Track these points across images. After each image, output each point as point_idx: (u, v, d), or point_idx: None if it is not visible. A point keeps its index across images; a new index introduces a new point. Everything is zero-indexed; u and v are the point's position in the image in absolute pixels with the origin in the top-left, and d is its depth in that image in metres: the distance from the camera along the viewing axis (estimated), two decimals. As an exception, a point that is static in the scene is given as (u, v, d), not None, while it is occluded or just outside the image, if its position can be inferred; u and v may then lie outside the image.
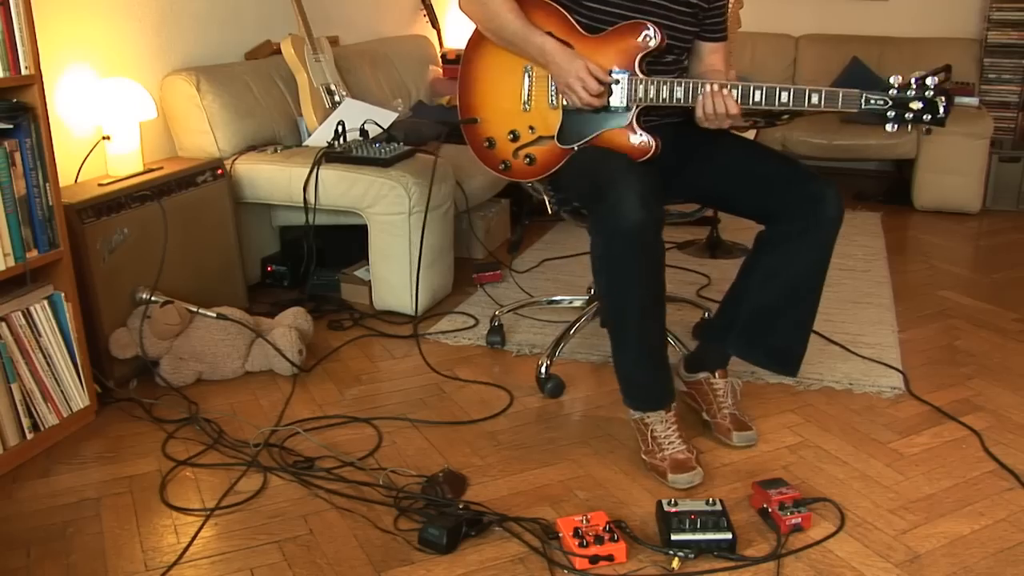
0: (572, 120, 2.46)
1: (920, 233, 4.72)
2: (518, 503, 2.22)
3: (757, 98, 2.28)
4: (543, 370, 2.80)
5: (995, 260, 4.25)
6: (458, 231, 3.67)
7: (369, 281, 3.46)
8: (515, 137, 2.55)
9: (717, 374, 2.57)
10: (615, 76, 2.38)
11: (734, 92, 2.28)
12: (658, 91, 2.36)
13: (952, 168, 4.93)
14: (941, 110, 2.20)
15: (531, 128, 2.53)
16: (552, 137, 2.50)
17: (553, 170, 2.52)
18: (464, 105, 2.65)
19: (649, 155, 2.38)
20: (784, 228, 2.34)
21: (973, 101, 5.17)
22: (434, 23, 5.60)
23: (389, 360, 3.08)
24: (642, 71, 2.38)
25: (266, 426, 2.59)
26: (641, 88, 2.37)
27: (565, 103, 2.46)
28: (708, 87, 2.30)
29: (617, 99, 2.40)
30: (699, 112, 2.32)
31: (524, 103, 2.54)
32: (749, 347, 2.48)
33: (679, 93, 2.34)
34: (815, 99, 2.24)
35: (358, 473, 2.34)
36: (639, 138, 2.39)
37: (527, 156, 2.54)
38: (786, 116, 3.97)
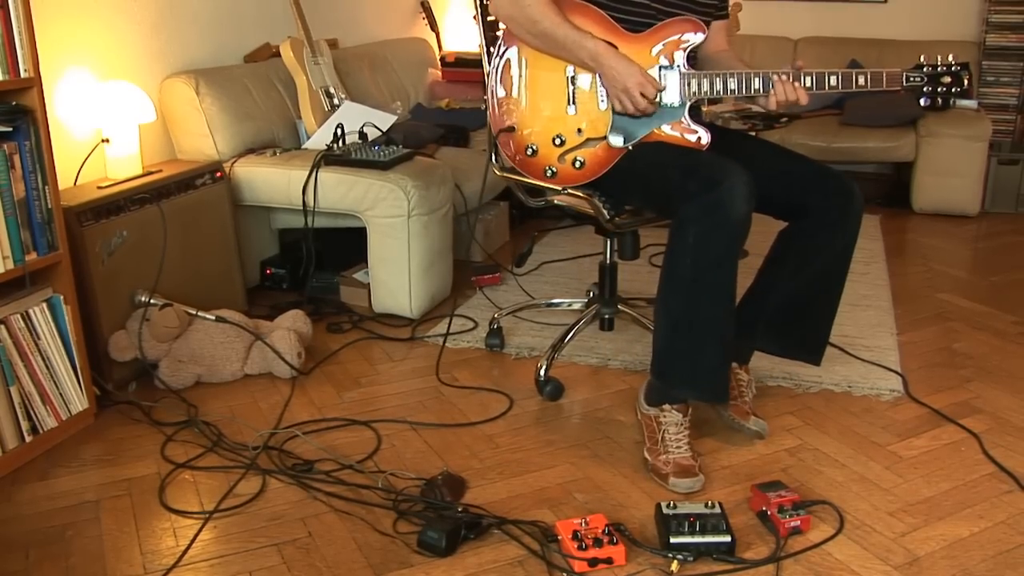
0: (623, 119, 2.44)
1: (919, 236, 4.72)
2: (517, 506, 2.22)
3: (808, 83, 2.36)
4: (542, 373, 2.80)
5: (994, 263, 4.25)
6: (457, 234, 3.67)
7: (368, 284, 3.46)
8: (562, 141, 2.50)
9: (743, 368, 2.64)
10: (666, 74, 2.40)
11: (806, 81, 2.35)
12: (712, 84, 2.39)
13: (951, 170, 4.93)
14: (965, 82, 2.37)
15: (579, 131, 2.48)
16: (603, 138, 2.46)
17: (604, 172, 2.49)
18: (499, 119, 2.57)
19: (705, 146, 2.40)
20: (815, 222, 2.41)
21: (972, 104, 5.18)
22: (433, 26, 5.61)
23: (388, 363, 3.08)
24: (689, 66, 2.41)
25: (265, 429, 2.59)
26: (695, 82, 2.39)
27: (616, 109, 2.43)
28: (777, 76, 2.34)
29: (671, 95, 2.41)
30: (772, 101, 2.36)
31: (569, 105, 2.49)
32: (779, 338, 2.56)
33: (732, 84, 2.38)
34: (862, 80, 2.36)
35: (357, 476, 2.34)
36: (695, 132, 2.41)
37: (576, 160, 2.49)
38: (784, 119, 3.98)
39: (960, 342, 3.25)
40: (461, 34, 5.93)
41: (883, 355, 3.08)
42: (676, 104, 2.41)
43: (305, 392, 2.86)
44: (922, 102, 2.39)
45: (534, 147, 2.53)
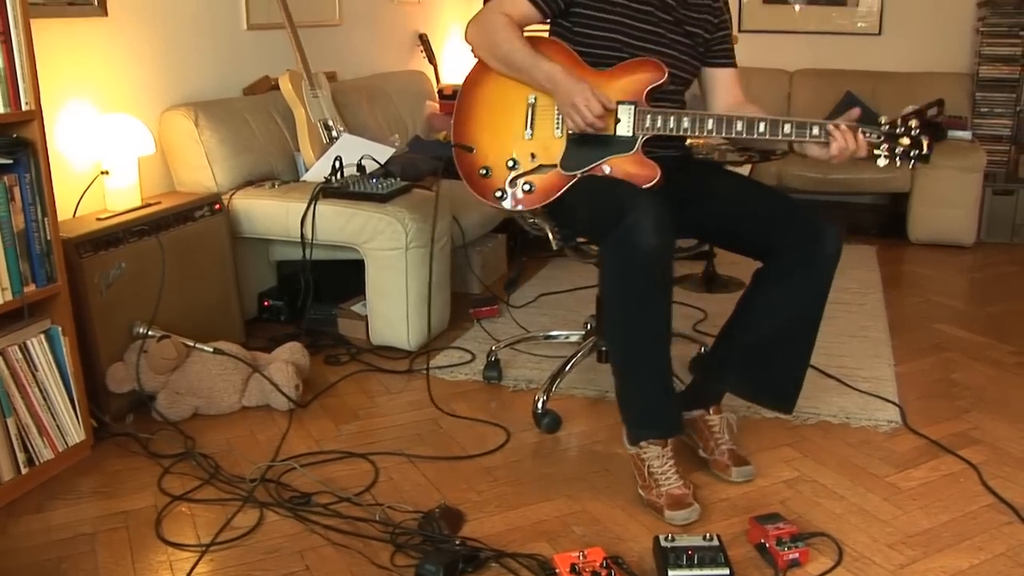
0: (576, 148, 2.47)
1: (915, 266, 4.74)
2: (515, 539, 2.21)
3: (762, 129, 2.34)
4: (540, 405, 2.80)
5: (990, 293, 4.26)
6: (455, 266, 3.68)
7: (366, 316, 3.46)
8: (515, 164, 2.55)
9: (712, 410, 2.57)
10: (621, 108, 2.41)
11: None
12: (665, 122, 2.39)
13: (946, 201, 4.96)
14: (926, 147, 2.27)
15: (532, 156, 2.54)
16: (554, 165, 2.50)
17: (552, 199, 2.52)
18: (459, 133, 2.65)
19: (654, 183, 2.39)
20: (783, 264, 2.37)
21: (966, 135, 5.22)
22: (431, 59, 5.65)
23: (386, 395, 3.08)
24: (649, 103, 2.42)
25: (262, 461, 2.58)
26: (648, 118, 2.40)
27: (570, 130, 2.47)
28: (840, 126, 2.29)
29: (624, 128, 2.42)
30: (832, 151, 2.31)
31: (526, 130, 2.55)
32: (746, 383, 2.50)
33: (686, 123, 2.38)
34: (815, 131, 2.30)
35: (354, 509, 2.34)
36: (644, 166, 2.41)
37: (526, 184, 2.54)
38: (780, 151, 3.99)
39: (958, 372, 3.25)
40: (459, 66, 5.97)
41: (881, 386, 3.09)
42: (628, 137, 2.43)
43: (303, 424, 2.85)
44: (879, 163, 2.31)
45: (488, 168, 2.59)
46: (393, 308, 3.35)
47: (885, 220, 5.46)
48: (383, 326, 3.41)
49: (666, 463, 2.34)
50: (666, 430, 2.37)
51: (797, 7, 5.97)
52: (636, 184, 2.39)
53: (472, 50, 2.62)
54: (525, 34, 2.52)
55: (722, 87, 2.65)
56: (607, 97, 2.38)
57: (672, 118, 2.39)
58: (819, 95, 5.69)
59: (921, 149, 2.27)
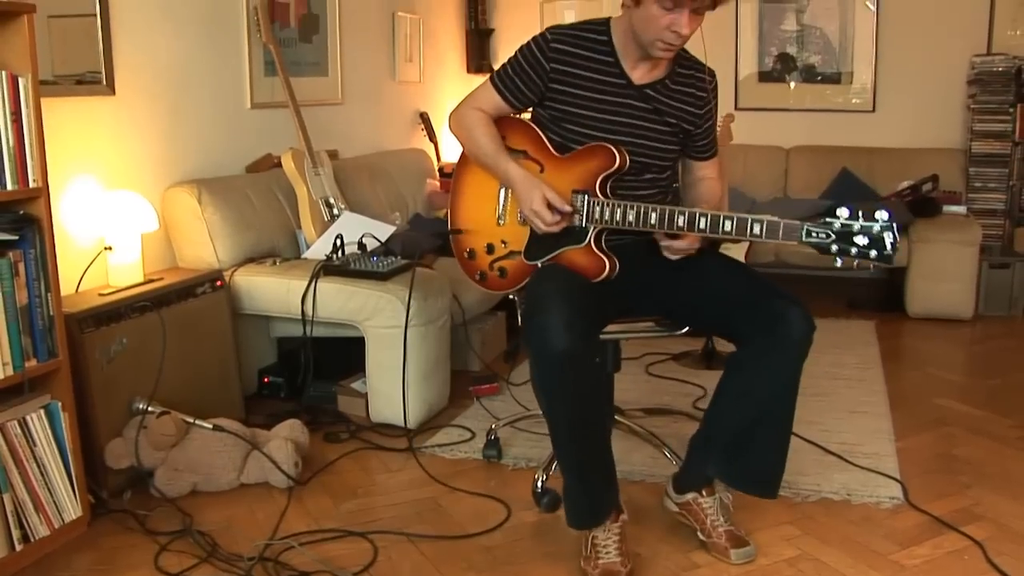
0: (538, 237, 2.50)
1: (914, 340, 4.74)
2: (515, 618, 2.19)
3: (702, 225, 2.27)
4: (540, 484, 2.77)
5: (990, 366, 4.27)
6: (455, 343, 3.69)
7: (366, 393, 3.46)
8: (490, 250, 2.62)
9: (704, 492, 2.54)
10: (575, 198, 2.41)
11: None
12: (612, 213, 2.37)
13: (943, 275, 4.98)
14: (888, 246, 2.08)
15: (504, 242, 2.60)
16: (520, 252, 2.55)
17: (522, 284, 2.58)
18: (453, 217, 2.74)
19: (604, 276, 2.40)
20: (750, 348, 2.36)
21: (961, 209, 5.27)
22: (432, 137, 5.73)
23: (385, 473, 3.07)
24: (603, 192, 2.41)
25: (261, 539, 2.56)
26: (597, 209, 2.40)
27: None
28: (664, 243, 2.36)
29: (576, 219, 2.43)
30: (665, 252, 2.38)
31: (499, 218, 2.61)
32: (726, 469, 2.49)
33: (631, 216, 2.35)
34: (756, 229, 2.19)
35: (353, 587, 2.31)
36: (597, 259, 2.42)
37: (500, 269, 2.61)
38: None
39: (959, 447, 3.24)
40: (458, 145, 6.05)
41: (882, 462, 3.07)
42: (579, 228, 2.43)
43: (302, 502, 2.83)
44: (834, 262, 2.13)
45: (472, 251, 2.67)
46: (393, 386, 3.35)
47: (883, 294, 5.47)
48: (383, 404, 3.41)
49: (610, 537, 2.36)
50: (585, 520, 2.39)
51: (792, 84, 6.08)
52: (589, 277, 2.41)
53: None
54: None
55: (695, 175, 2.68)
56: (562, 201, 2.39)
57: (619, 210, 2.36)
58: (816, 171, 5.76)
59: (882, 248, 2.09)
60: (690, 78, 2.54)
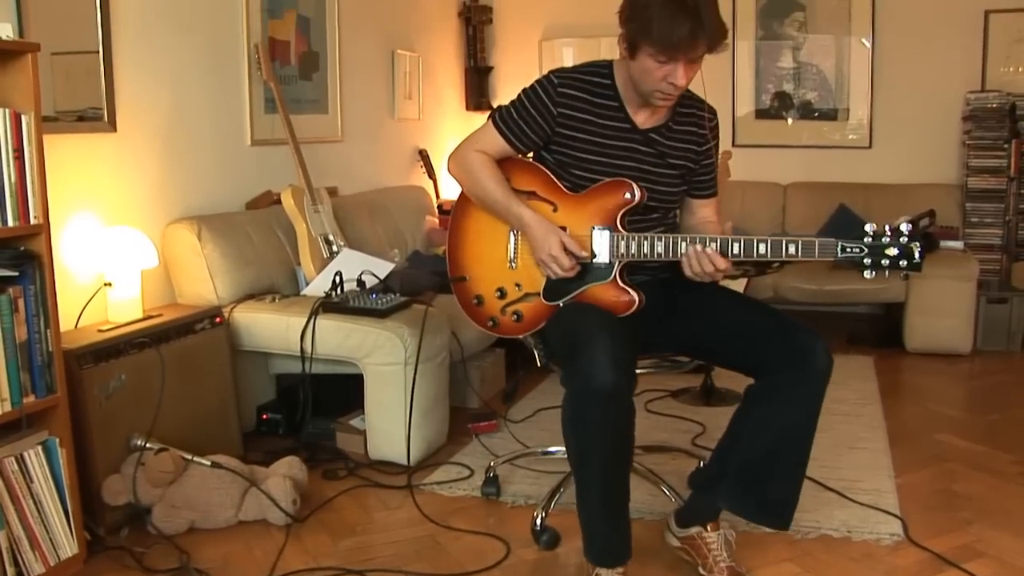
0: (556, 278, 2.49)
1: (913, 376, 4.74)
2: (514, 656, 2.17)
3: (735, 251, 2.32)
4: (538, 522, 2.76)
5: (989, 401, 4.26)
6: (453, 380, 3.68)
7: (364, 430, 3.45)
8: (502, 294, 2.59)
9: (709, 527, 2.53)
10: (597, 234, 2.42)
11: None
12: (639, 246, 2.39)
13: (941, 310, 4.99)
14: (916, 256, 2.20)
15: (518, 285, 2.57)
16: (538, 294, 2.53)
17: (539, 326, 2.56)
18: (453, 263, 2.71)
19: (633, 309, 2.40)
20: (773, 381, 2.36)
21: (958, 244, 5.29)
22: (431, 174, 5.76)
23: (384, 511, 3.05)
24: (623, 227, 2.43)
25: (258, 577, 2.55)
26: (623, 244, 2.41)
27: (544, 274, 2.50)
28: (690, 248, 2.34)
29: (600, 255, 2.43)
30: (687, 272, 2.37)
31: (510, 261, 2.59)
32: (740, 500, 2.46)
33: (659, 248, 2.38)
34: (792, 249, 2.28)
35: (351, 625, 2.30)
36: (623, 293, 2.42)
37: (515, 313, 2.58)
38: (776, 264, 4.03)
39: (959, 483, 3.23)
40: (460, 187, 6.08)
41: (881, 498, 3.06)
42: (604, 264, 2.44)
43: (300, 540, 2.82)
44: (865, 275, 2.24)
45: (480, 297, 2.63)
46: (392, 423, 3.35)
47: (881, 330, 5.48)
48: (381, 441, 3.40)
49: (614, 574, 2.34)
50: (613, 559, 2.36)
51: (790, 121, 6.12)
52: (616, 312, 2.41)
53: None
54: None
55: (694, 210, 2.69)
56: (579, 247, 2.41)
57: (647, 242, 2.39)
58: (813, 207, 5.79)
59: (911, 258, 2.20)
60: (691, 116, 2.56)
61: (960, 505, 3.04)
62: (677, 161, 2.54)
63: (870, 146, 5.96)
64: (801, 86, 6.06)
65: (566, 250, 2.40)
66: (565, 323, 2.44)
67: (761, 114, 6.17)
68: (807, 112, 6.08)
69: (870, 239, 2.23)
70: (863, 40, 5.88)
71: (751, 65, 6.12)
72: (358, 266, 3.73)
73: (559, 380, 2.35)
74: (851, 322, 5.72)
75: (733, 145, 6.02)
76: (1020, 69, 5.57)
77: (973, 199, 5.54)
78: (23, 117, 2.38)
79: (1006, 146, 5.43)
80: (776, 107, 6.13)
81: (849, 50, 5.93)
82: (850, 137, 6.01)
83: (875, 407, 4.08)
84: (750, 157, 5.90)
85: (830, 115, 6.04)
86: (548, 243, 2.41)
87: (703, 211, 2.68)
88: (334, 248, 3.96)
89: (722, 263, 2.31)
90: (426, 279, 3.97)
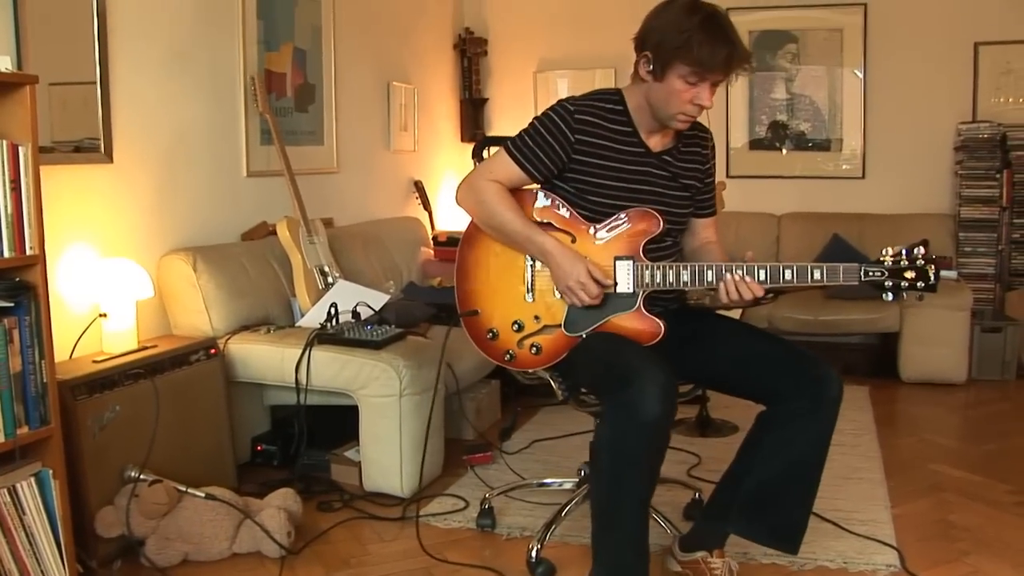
0: (578, 308, 2.47)
1: (908, 405, 4.74)
2: None
3: (762, 277, 2.36)
4: (534, 554, 2.75)
5: (984, 431, 4.26)
6: (448, 412, 3.67)
7: (359, 462, 3.44)
8: (520, 327, 2.56)
9: (715, 553, 2.53)
10: (620, 265, 2.43)
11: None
12: (664, 275, 2.41)
13: (936, 340, 5.00)
14: (932, 277, 2.31)
15: (536, 317, 2.55)
16: (559, 326, 2.51)
17: (560, 358, 2.53)
18: (463, 296, 2.67)
19: (659, 339, 2.41)
20: (788, 408, 2.37)
21: (952, 274, 5.29)
22: (426, 206, 5.77)
23: (378, 543, 3.04)
24: (645, 256, 2.45)
25: (252, 609, 2.53)
26: (647, 273, 2.42)
27: (568, 303, 2.49)
28: (728, 276, 2.36)
29: (624, 285, 2.44)
30: (723, 298, 2.38)
31: (527, 293, 2.57)
32: (751, 524, 2.46)
33: (685, 276, 2.40)
34: (817, 275, 2.33)
35: (345, 659, 2.28)
36: (648, 322, 2.43)
37: (533, 346, 2.55)
38: (770, 295, 4.03)
39: (955, 514, 3.22)
40: (453, 213, 6.10)
41: (878, 529, 3.05)
42: (628, 294, 2.45)
43: (294, 572, 2.80)
44: (885, 297, 2.33)
45: (495, 331, 2.60)
46: (386, 455, 3.34)
47: (876, 360, 5.49)
48: (376, 472, 3.39)
49: None
50: None
51: (783, 152, 6.15)
52: (641, 341, 2.41)
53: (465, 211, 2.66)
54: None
55: (697, 231, 2.72)
56: (604, 274, 2.42)
57: (671, 272, 2.41)
58: (807, 238, 5.80)
59: (928, 280, 2.31)
60: (694, 138, 2.62)
61: (957, 536, 3.03)
62: (688, 182, 2.59)
63: (863, 176, 6.00)
64: (794, 117, 6.11)
65: (592, 277, 2.40)
66: (601, 354, 2.42)
67: (755, 145, 6.20)
68: (801, 143, 6.12)
69: (890, 262, 2.31)
70: (855, 71, 5.93)
71: (745, 96, 6.17)
72: (353, 297, 3.73)
73: (601, 410, 2.32)
74: (846, 352, 5.72)
75: (727, 176, 6.05)
76: (1010, 100, 5.63)
77: (966, 229, 5.57)
78: (20, 148, 2.39)
79: (998, 176, 5.47)
80: (770, 138, 6.17)
81: (841, 81, 5.98)
82: (844, 167, 6.04)
83: (870, 437, 4.08)
84: (744, 188, 5.93)
85: (823, 146, 6.07)
86: (576, 270, 2.41)
87: (705, 232, 2.71)
88: (329, 279, 3.96)
89: (759, 290, 2.35)
90: (421, 311, 3.98)
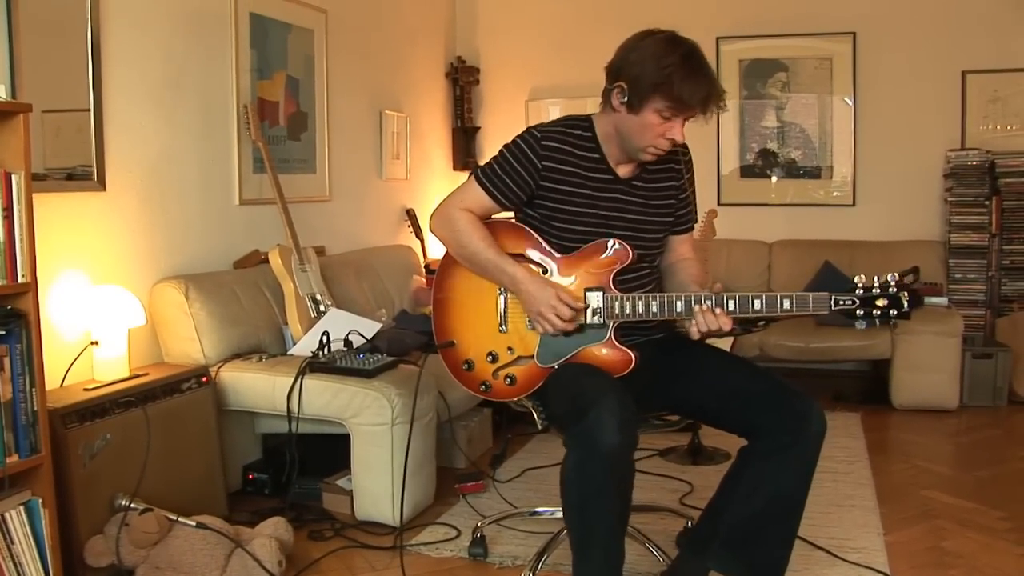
0: (550, 339, 2.49)
1: (900, 432, 4.74)
2: None
3: (731, 307, 2.34)
4: (526, 582, 2.74)
5: (976, 457, 4.26)
6: (440, 441, 3.66)
7: (351, 491, 3.42)
8: (494, 358, 2.57)
9: None
10: (590, 296, 2.44)
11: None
12: (633, 307, 2.41)
13: (927, 366, 5.00)
14: (905, 304, 2.26)
15: (510, 349, 2.56)
16: (531, 357, 2.52)
17: (535, 388, 2.54)
18: (439, 328, 2.68)
19: (630, 369, 2.41)
20: (769, 443, 2.36)
21: (943, 301, 5.33)
22: (418, 234, 5.78)
23: (370, 572, 3.02)
24: (616, 286, 2.45)
25: (242, 640, 2.51)
26: (617, 304, 2.42)
27: (539, 332, 2.50)
28: (698, 307, 2.34)
29: (594, 316, 2.44)
30: (694, 331, 2.36)
31: (500, 324, 2.58)
32: (731, 561, 2.45)
33: (654, 307, 2.39)
34: (787, 304, 2.31)
35: None
36: (618, 353, 2.43)
37: (507, 376, 2.56)
38: (762, 323, 4.04)
39: (948, 540, 3.21)
40: (444, 246, 6.11)
41: (871, 556, 3.04)
42: (599, 325, 2.45)
43: (284, 600, 2.79)
44: (857, 325, 2.30)
45: (471, 362, 2.61)
46: (378, 483, 3.32)
47: (868, 387, 5.49)
48: (368, 501, 3.37)
49: None
50: None
51: (774, 180, 6.18)
52: (613, 372, 2.41)
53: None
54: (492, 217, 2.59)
55: (673, 247, 2.71)
56: (575, 299, 2.42)
57: (641, 302, 2.40)
58: (799, 265, 5.82)
59: (900, 307, 2.26)
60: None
61: (950, 563, 3.02)
62: (663, 203, 2.58)
63: (854, 204, 6.02)
64: (785, 145, 6.14)
65: (563, 301, 2.40)
66: (567, 384, 2.42)
67: (746, 172, 6.23)
68: (791, 170, 6.15)
69: (861, 291, 2.27)
70: (845, 99, 5.97)
71: (735, 124, 6.20)
72: (345, 326, 3.73)
73: (561, 442, 2.32)
74: (837, 379, 5.73)
75: (718, 204, 6.06)
76: (998, 127, 5.67)
77: (956, 255, 5.60)
78: (13, 176, 2.39)
79: (987, 203, 5.51)
80: (760, 166, 6.20)
81: (832, 109, 6.02)
82: (834, 195, 6.07)
83: (863, 464, 4.07)
84: (735, 216, 5.95)
85: (814, 173, 6.10)
86: (545, 295, 2.41)
87: (680, 248, 2.71)
88: (321, 308, 3.96)
89: (728, 324, 2.34)
90: (413, 339, 3.97)
